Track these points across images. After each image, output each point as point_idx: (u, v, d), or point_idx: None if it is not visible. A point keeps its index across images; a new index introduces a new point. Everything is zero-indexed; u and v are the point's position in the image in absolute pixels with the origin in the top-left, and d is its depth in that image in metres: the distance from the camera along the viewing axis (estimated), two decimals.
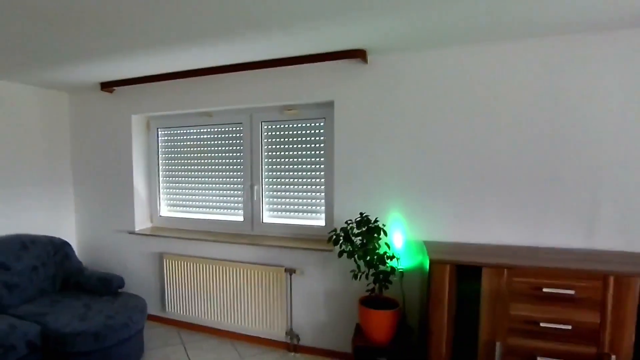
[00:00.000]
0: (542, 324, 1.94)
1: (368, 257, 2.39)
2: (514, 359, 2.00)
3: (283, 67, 2.79)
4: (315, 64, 2.72)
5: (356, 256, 2.41)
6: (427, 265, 2.26)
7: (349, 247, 2.44)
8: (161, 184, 3.56)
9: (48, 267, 3.03)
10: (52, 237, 3.18)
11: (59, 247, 3.15)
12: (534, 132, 2.30)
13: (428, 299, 2.13)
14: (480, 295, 2.03)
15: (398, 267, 2.48)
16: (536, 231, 2.35)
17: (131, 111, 3.39)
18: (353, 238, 2.46)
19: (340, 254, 2.45)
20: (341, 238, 2.47)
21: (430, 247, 2.36)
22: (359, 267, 2.47)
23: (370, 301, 2.51)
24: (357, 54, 2.50)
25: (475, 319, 2.06)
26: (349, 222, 2.51)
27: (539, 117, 2.28)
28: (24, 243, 2.95)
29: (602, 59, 2.16)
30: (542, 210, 2.32)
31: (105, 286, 2.94)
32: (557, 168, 2.28)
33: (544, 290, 1.93)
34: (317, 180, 2.95)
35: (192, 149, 3.38)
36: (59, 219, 3.57)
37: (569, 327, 1.91)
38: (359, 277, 2.46)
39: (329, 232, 2.55)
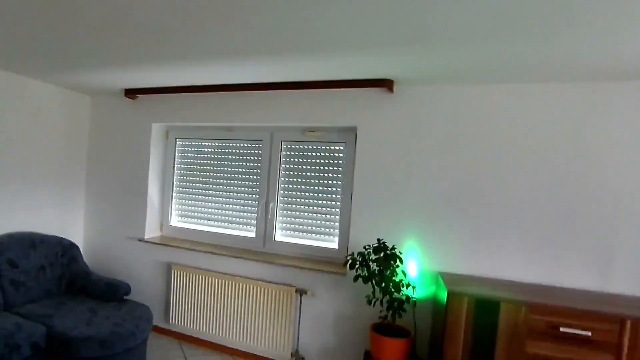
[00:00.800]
0: None
1: (384, 284, 2.40)
2: None
3: (308, 90, 2.86)
4: (341, 89, 2.81)
5: (372, 282, 2.42)
6: (442, 296, 2.28)
7: (365, 272, 2.46)
8: (174, 194, 3.57)
9: (55, 268, 2.99)
10: (61, 238, 3.15)
11: (67, 249, 3.12)
12: (553, 174, 2.37)
13: (443, 330, 2.13)
14: (497, 330, 2.05)
15: (413, 296, 2.49)
16: (551, 270, 2.38)
17: (152, 119, 3.43)
18: (370, 263, 2.47)
19: (356, 279, 2.46)
20: (357, 262, 2.49)
21: (446, 278, 2.38)
22: (374, 292, 2.47)
23: (382, 328, 2.50)
24: (385, 84, 2.59)
25: (489, 353, 2.06)
26: (367, 247, 2.53)
27: (559, 159, 2.36)
28: (33, 241, 2.92)
29: (622, 107, 2.26)
30: (559, 250, 2.37)
31: (112, 292, 2.90)
32: (575, 210, 2.34)
33: (561, 329, 1.95)
34: (333, 202, 2.99)
35: (209, 161, 3.42)
36: (67, 220, 3.55)
37: None
38: (373, 303, 2.46)
39: (347, 256, 2.57)
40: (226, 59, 2.38)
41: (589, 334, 1.91)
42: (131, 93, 3.31)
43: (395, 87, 2.67)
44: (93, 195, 3.71)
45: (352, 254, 2.55)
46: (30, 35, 2.16)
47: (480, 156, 2.51)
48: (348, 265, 2.51)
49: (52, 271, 2.95)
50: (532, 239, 2.41)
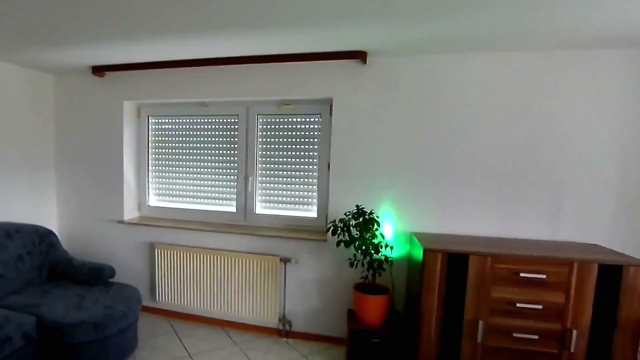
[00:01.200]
0: (518, 305, 2.24)
1: (364, 247, 2.58)
2: (494, 335, 2.28)
3: (283, 62, 2.87)
4: (317, 62, 2.84)
5: (354, 245, 2.60)
6: (416, 254, 2.50)
7: (347, 237, 2.62)
8: (150, 173, 3.52)
9: (34, 256, 2.93)
10: (36, 226, 3.07)
11: (44, 237, 3.06)
12: (511, 136, 2.60)
13: (420, 284, 2.36)
14: (467, 280, 2.30)
15: (390, 256, 2.70)
16: (509, 224, 2.67)
17: (123, 97, 3.32)
18: (351, 229, 2.64)
19: (338, 244, 2.62)
20: (339, 229, 2.64)
21: (420, 237, 2.60)
22: (355, 255, 2.66)
23: (364, 288, 2.71)
24: (358, 56, 2.66)
25: (461, 300, 2.32)
26: (347, 213, 2.68)
27: (516, 122, 2.58)
28: (8, 232, 2.83)
29: (572, 74, 2.48)
30: (515, 206, 2.64)
31: (97, 276, 2.91)
32: (529, 169, 2.60)
33: (521, 275, 2.22)
34: (310, 173, 3.10)
35: (184, 138, 3.39)
36: (39, 207, 3.43)
37: (540, 307, 2.22)
38: (355, 265, 2.65)
39: (328, 223, 2.72)
40: (199, 33, 2.35)
41: (544, 276, 2.20)
42: (99, 70, 3.18)
43: (368, 59, 2.74)
44: (64, 179, 3.58)
45: (334, 221, 2.70)
46: None
47: (446, 122, 2.69)
48: (330, 231, 2.66)
49: (31, 260, 2.90)
50: (492, 197, 2.67)
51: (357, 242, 2.58)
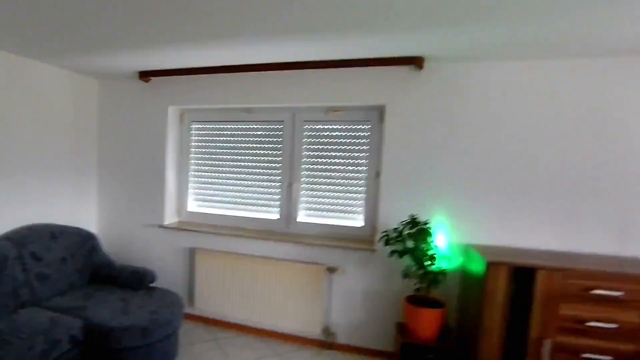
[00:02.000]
0: (589, 323, 2.12)
1: (420, 257, 2.49)
2: (561, 355, 2.16)
3: (332, 68, 2.83)
4: (366, 67, 2.78)
5: (409, 256, 2.50)
6: (474, 267, 2.40)
7: (401, 247, 2.53)
8: (191, 179, 3.49)
9: (76, 259, 2.89)
10: (79, 228, 3.04)
11: (87, 239, 3.02)
12: (576, 146, 2.49)
13: (482, 299, 2.25)
14: (533, 295, 2.19)
15: (447, 268, 2.59)
16: (573, 238, 2.53)
17: (168, 102, 3.31)
18: (406, 239, 2.55)
19: (392, 254, 2.53)
20: (392, 239, 2.56)
21: (479, 249, 2.49)
22: (409, 267, 2.57)
23: (416, 300, 2.61)
24: (414, 61, 2.60)
25: (525, 317, 2.20)
26: (402, 223, 2.59)
27: (582, 132, 2.47)
28: (53, 233, 2.81)
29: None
30: (580, 219, 2.51)
31: (139, 280, 2.85)
32: (595, 180, 2.48)
33: (593, 292, 2.10)
34: (357, 181, 3.02)
35: (227, 144, 3.35)
36: (80, 210, 3.42)
37: (615, 326, 2.10)
38: (409, 276, 2.55)
39: (382, 233, 2.63)
40: (247, 39, 2.33)
41: (620, 294, 2.08)
42: (145, 75, 3.17)
43: (424, 64, 2.68)
44: (106, 182, 3.57)
45: (387, 230, 2.61)
46: (41, 17, 2.06)
47: (506, 132, 2.59)
48: (383, 241, 2.57)
49: (74, 262, 2.86)
50: (554, 209, 2.55)
51: (413, 253, 2.48)
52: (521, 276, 2.20)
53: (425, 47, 2.40)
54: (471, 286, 2.48)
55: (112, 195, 3.55)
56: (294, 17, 1.97)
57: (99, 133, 3.58)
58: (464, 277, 2.66)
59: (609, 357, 2.10)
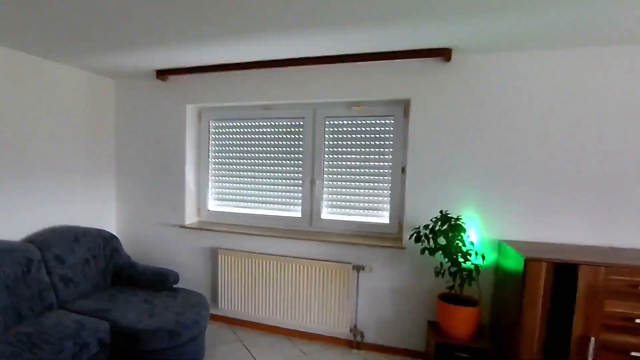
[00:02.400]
0: (637, 320, 2.03)
1: (452, 254, 2.41)
2: (607, 353, 2.07)
3: (354, 62, 2.73)
4: (390, 61, 2.70)
5: (439, 253, 2.42)
6: (510, 264, 2.32)
7: (432, 244, 2.46)
8: (210, 178, 3.43)
9: (99, 260, 2.85)
10: (100, 230, 3.00)
11: (108, 240, 2.98)
12: (610, 138, 2.38)
13: (521, 297, 2.16)
14: (576, 292, 2.10)
15: (481, 265, 2.51)
16: (610, 233, 2.43)
17: (186, 101, 3.25)
18: (437, 235, 2.46)
19: (423, 251, 2.45)
20: (423, 236, 2.48)
21: (512, 245, 2.41)
22: (442, 264, 2.48)
23: (448, 298, 2.53)
24: (442, 53, 2.51)
25: (568, 315, 2.12)
26: (433, 219, 2.51)
27: (615, 123, 2.37)
28: (76, 235, 2.76)
29: None
30: (617, 213, 2.41)
31: (162, 281, 2.80)
32: (630, 173, 2.38)
33: None
34: (381, 177, 2.94)
35: (247, 142, 3.28)
36: (98, 210, 3.37)
37: None
38: (443, 274, 2.46)
39: (413, 230, 2.55)
40: (265, 34, 2.25)
41: None
42: (163, 74, 3.11)
43: (452, 56, 2.58)
44: (124, 183, 3.53)
45: (418, 227, 2.54)
46: (58, 18, 2.02)
47: (537, 124, 2.49)
48: (414, 238, 2.49)
49: (96, 264, 2.81)
50: (589, 203, 2.45)
51: (447, 249, 2.40)
52: (561, 273, 2.12)
53: (453, 38, 2.30)
54: (507, 283, 2.40)
55: (130, 196, 3.51)
56: (315, 9, 1.89)
57: (116, 133, 3.54)
58: (498, 274, 2.58)
59: None
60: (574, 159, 2.45)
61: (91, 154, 3.29)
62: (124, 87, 3.48)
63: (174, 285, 2.91)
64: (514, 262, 2.29)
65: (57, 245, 2.60)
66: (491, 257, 2.62)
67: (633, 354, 2.04)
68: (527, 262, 2.14)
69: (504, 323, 2.41)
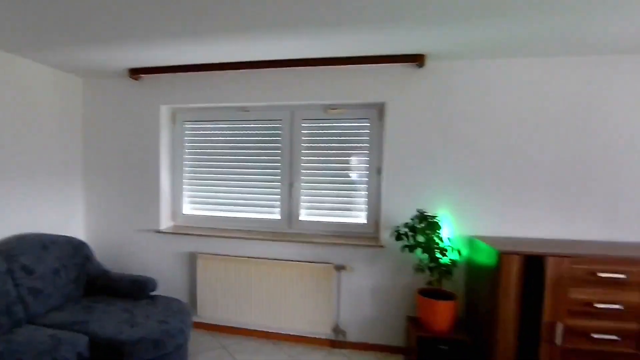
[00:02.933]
0: (597, 305, 2.24)
1: (431, 251, 2.53)
2: (572, 337, 2.27)
3: (331, 66, 2.79)
4: (366, 65, 2.77)
5: (421, 249, 2.54)
6: (482, 258, 2.48)
7: (412, 241, 2.56)
8: (185, 181, 3.35)
9: (69, 269, 2.69)
10: (70, 237, 2.84)
11: (78, 248, 2.82)
12: (568, 141, 2.62)
13: (496, 288, 2.31)
14: (544, 282, 2.28)
15: (457, 260, 2.65)
16: (568, 226, 2.67)
17: (160, 101, 3.15)
18: (417, 233, 2.58)
19: (404, 249, 2.56)
20: (403, 234, 2.58)
21: (484, 241, 2.57)
22: (421, 260, 2.60)
23: (428, 294, 2.64)
24: (416, 59, 2.63)
25: (538, 303, 2.29)
26: (412, 217, 2.62)
27: (573, 128, 2.61)
28: (44, 243, 2.60)
29: (628, 77, 2.53)
30: (573, 209, 2.65)
31: (140, 289, 2.70)
32: (585, 173, 2.62)
33: (599, 275, 2.22)
34: (358, 178, 3.02)
35: (223, 144, 3.24)
36: (65, 217, 3.18)
37: (620, 307, 2.22)
38: (423, 270, 2.58)
39: (394, 228, 2.65)
40: (242, 35, 2.26)
41: (624, 276, 2.21)
42: (136, 73, 3.01)
43: (426, 62, 2.71)
44: (93, 187, 3.36)
45: (398, 226, 2.64)
46: (19, 4, 1.87)
47: (505, 127, 2.68)
48: (395, 236, 2.59)
49: (67, 274, 2.66)
50: (549, 200, 2.67)
51: (426, 246, 2.52)
52: (530, 264, 2.29)
53: (427, 45, 2.43)
54: (480, 277, 2.55)
55: (100, 201, 3.35)
56: (292, 12, 1.92)
57: (84, 135, 3.36)
58: (470, 268, 2.74)
59: (615, 337, 2.23)
60: (535, 161, 2.66)
61: (59, 157, 3.10)
62: (93, 86, 3.32)
63: (152, 293, 2.82)
64: (486, 256, 2.44)
65: (24, 254, 2.44)
66: (463, 253, 2.78)
67: (593, 335, 2.25)
68: (501, 255, 2.29)
69: (479, 314, 2.56)
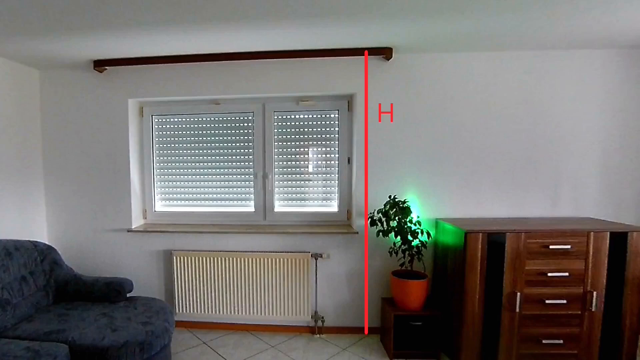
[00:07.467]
0: (549, 274, 2.53)
1: (404, 234, 2.70)
2: (529, 304, 2.55)
3: (301, 58, 2.85)
4: (336, 57, 2.85)
5: (395, 234, 2.70)
6: (448, 238, 2.70)
7: (385, 227, 2.72)
8: (156, 177, 3.25)
9: (37, 276, 2.55)
10: (34, 242, 2.67)
11: (45, 253, 2.67)
12: (517, 128, 2.90)
13: (464, 265, 2.53)
14: (504, 256, 2.53)
15: (427, 241, 2.84)
16: (518, 206, 2.96)
17: (127, 95, 3.02)
18: (390, 218, 2.73)
19: (378, 234, 2.71)
20: (377, 220, 2.73)
21: (448, 222, 2.78)
22: (394, 243, 2.76)
23: (401, 275, 2.82)
24: (384, 52, 2.75)
25: (499, 275, 2.54)
26: (386, 204, 2.76)
27: (520, 116, 2.89)
28: (7, 250, 2.43)
29: (567, 71, 2.83)
30: (522, 190, 2.95)
31: (116, 292, 2.62)
32: (533, 158, 2.91)
33: (550, 247, 2.51)
34: (330, 168, 3.12)
35: (194, 138, 3.18)
36: (27, 220, 2.98)
37: (567, 274, 2.53)
38: (397, 253, 2.74)
39: (370, 214, 2.78)
40: (214, 26, 2.24)
41: (569, 247, 2.51)
42: (101, 65, 2.86)
43: (393, 55, 2.83)
44: (55, 187, 3.16)
45: (373, 212, 2.78)
46: None
47: (463, 116, 2.90)
48: (369, 222, 2.73)
49: (35, 281, 2.52)
50: (502, 183, 2.95)
51: (398, 229, 2.68)
52: (492, 242, 2.53)
53: (394, 38, 2.55)
54: (447, 255, 2.77)
55: (64, 201, 3.17)
56: (263, 4, 1.94)
57: (43, 131, 3.15)
58: (437, 249, 2.95)
59: (564, 301, 2.54)
60: (491, 147, 2.92)
61: (17, 156, 2.89)
62: (52, 79, 3.10)
63: (129, 295, 2.75)
64: (453, 237, 2.66)
65: None
66: (432, 235, 2.99)
67: (547, 301, 2.55)
68: (467, 234, 2.51)
69: (447, 290, 2.79)
